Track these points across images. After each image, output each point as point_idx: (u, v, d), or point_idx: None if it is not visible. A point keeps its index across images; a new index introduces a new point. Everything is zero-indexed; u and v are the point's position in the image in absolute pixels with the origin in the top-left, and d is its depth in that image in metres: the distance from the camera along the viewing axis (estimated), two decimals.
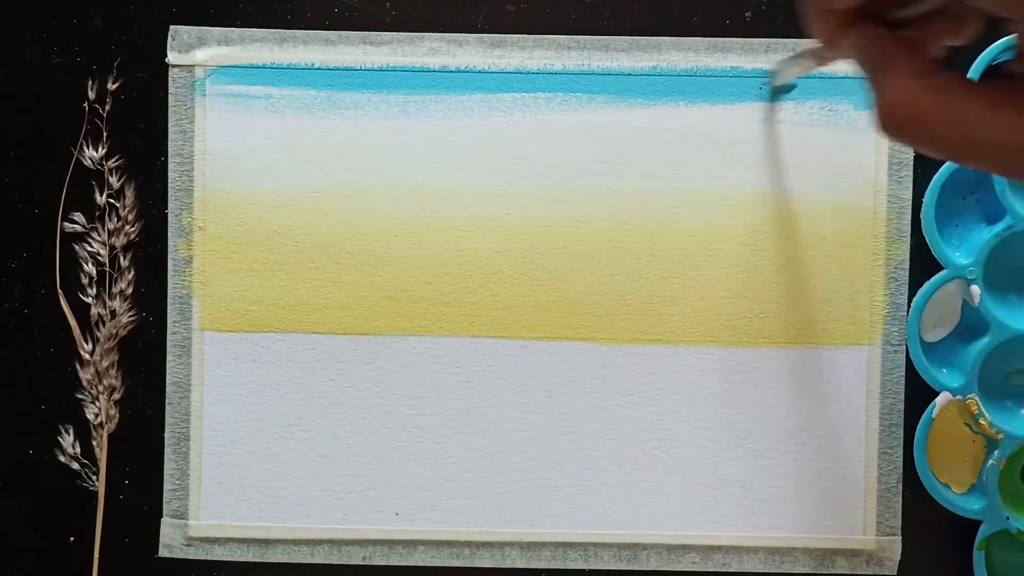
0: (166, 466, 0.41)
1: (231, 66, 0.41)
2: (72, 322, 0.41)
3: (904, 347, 0.41)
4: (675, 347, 0.41)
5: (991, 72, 0.40)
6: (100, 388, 0.41)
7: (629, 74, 0.41)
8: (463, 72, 0.41)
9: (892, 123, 0.22)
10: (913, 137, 0.22)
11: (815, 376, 0.41)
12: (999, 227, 0.40)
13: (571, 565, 0.41)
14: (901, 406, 0.41)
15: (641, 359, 0.41)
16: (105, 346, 0.41)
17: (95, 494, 0.42)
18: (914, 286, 0.41)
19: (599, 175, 0.41)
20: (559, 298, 0.41)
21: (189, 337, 0.41)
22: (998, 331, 0.40)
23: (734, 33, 0.41)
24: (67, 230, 0.41)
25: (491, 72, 0.41)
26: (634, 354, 0.41)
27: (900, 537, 0.41)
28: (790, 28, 0.41)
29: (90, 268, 0.41)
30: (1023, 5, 0.20)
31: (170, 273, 0.41)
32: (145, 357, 0.42)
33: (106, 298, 0.41)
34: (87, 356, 0.41)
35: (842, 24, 0.25)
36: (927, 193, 0.40)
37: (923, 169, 0.41)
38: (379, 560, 0.41)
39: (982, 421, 0.40)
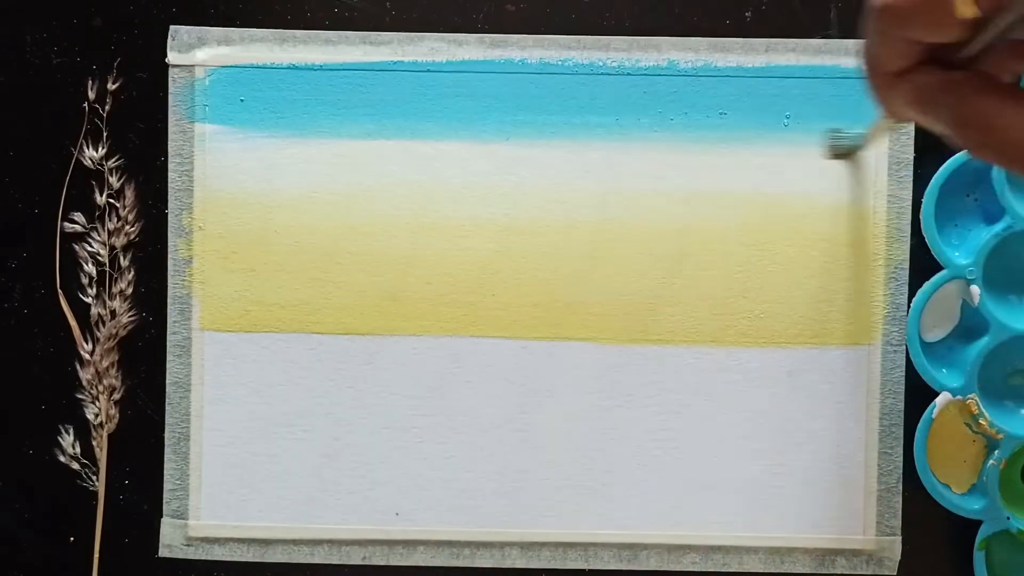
0: (166, 466, 0.41)
1: (231, 66, 0.41)
2: (72, 322, 0.41)
3: (904, 347, 0.41)
4: (675, 347, 0.41)
5: None
6: (100, 388, 0.41)
7: (629, 73, 0.41)
8: (463, 72, 0.41)
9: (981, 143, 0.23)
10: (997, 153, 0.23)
11: (815, 376, 0.41)
12: (999, 227, 0.40)
13: (571, 565, 0.41)
14: (901, 406, 0.41)
15: (641, 359, 0.41)
16: (105, 346, 0.41)
17: (95, 494, 0.42)
18: (914, 286, 0.41)
19: (599, 175, 0.41)
20: (559, 298, 0.41)
21: (189, 337, 0.41)
22: (998, 331, 0.40)
23: (734, 33, 0.41)
24: (67, 230, 0.41)
25: (491, 73, 0.41)
26: (634, 354, 0.41)
27: (900, 537, 0.41)
28: (790, 28, 0.41)
29: (90, 268, 0.41)
30: None
31: (170, 273, 0.41)
32: (145, 357, 0.42)
33: (106, 298, 0.41)
34: (87, 356, 0.41)
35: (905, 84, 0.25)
36: (927, 193, 0.40)
37: (923, 169, 0.41)
38: (379, 560, 0.41)
39: (982, 421, 0.40)
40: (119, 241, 0.41)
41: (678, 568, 0.41)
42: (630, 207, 0.41)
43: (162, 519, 0.41)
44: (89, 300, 0.41)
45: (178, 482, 0.41)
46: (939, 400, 0.40)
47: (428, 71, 0.41)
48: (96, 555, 0.41)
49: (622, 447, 0.41)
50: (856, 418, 0.41)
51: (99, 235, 0.41)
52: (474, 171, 0.41)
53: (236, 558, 0.41)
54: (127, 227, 0.41)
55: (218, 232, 0.41)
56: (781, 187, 0.41)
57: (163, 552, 0.41)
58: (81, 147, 0.41)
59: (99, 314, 0.41)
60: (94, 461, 0.42)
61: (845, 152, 0.40)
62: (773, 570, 0.41)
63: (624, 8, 0.41)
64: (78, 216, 0.41)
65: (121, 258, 0.41)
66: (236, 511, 0.41)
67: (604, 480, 0.41)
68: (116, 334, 0.41)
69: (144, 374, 0.42)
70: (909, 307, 0.41)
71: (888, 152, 0.41)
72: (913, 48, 0.24)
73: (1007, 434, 0.40)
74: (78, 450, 0.41)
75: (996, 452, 0.40)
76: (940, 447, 0.41)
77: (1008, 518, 0.40)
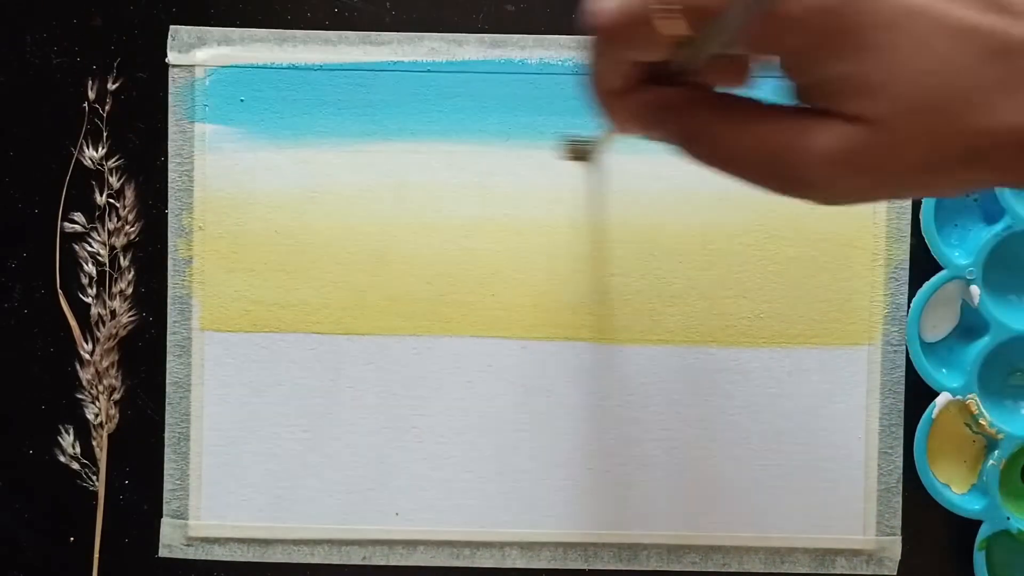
0: (166, 466, 0.41)
1: (231, 66, 0.41)
2: (72, 322, 0.41)
3: (904, 347, 0.41)
4: (675, 347, 0.41)
5: None
6: (100, 388, 0.41)
7: None
8: (463, 72, 0.41)
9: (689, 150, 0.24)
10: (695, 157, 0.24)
11: (815, 376, 0.41)
12: (998, 227, 0.40)
13: (571, 565, 0.41)
14: (901, 406, 0.41)
15: (641, 359, 0.41)
16: (105, 346, 0.41)
17: (95, 494, 0.42)
18: (914, 286, 0.41)
19: (599, 175, 0.41)
20: (559, 298, 0.41)
21: (189, 337, 0.41)
22: (998, 331, 0.40)
23: None
24: (67, 230, 0.41)
25: (491, 73, 0.41)
26: (634, 354, 0.41)
27: (900, 537, 0.41)
28: None
29: (90, 268, 0.41)
30: (774, 45, 0.22)
31: (170, 273, 0.41)
32: (145, 357, 0.42)
33: (106, 298, 0.41)
34: (87, 356, 0.41)
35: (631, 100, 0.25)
36: None
37: None
38: (379, 560, 0.41)
39: (982, 421, 0.40)
40: (119, 241, 0.41)
41: (678, 568, 0.41)
42: (630, 207, 0.41)
43: (162, 519, 0.41)
44: (89, 300, 0.41)
45: (178, 482, 0.41)
46: (939, 400, 0.40)
47: (428, 71, 0.41)
48: (96, 555, 0.41)
49: (622, 447, 0.41)
50: (856, 418, 0.41)
51: (99, 235, 0.41)
52: (474, 171, 0.41)
53: (236, 558, 0.41)
54: (127, 227, 0.41)
55: (218, 232, 0.41)
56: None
57: (163, 552, 0.41)
58: (81, 147, 0.41)
59: (99, 314, 0.41)
60: (94, 461, 0.42)
61: (581, 156, 0.39)
62: (773, 570, 0.41)
63: None
64: (78, 216, 0.41)
65: (121, 258, 0.41)
66: (236, 511, 0.41)
67: (604, 480, 0.41)
68: (116, 334, 0.41)
69: (144, 374, 0.42)
70: (909, 307, 0.41)
71: None
72: (630, 67, 0.24)
73: (1007, 434, 0.40)
74: (78, 450, 0.41)
75: (996, 452, 0.40)
76: (940, 447, 0.41)
77: (1008, 518, 0.40)
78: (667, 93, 0.25)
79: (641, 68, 0.24)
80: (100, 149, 0.41)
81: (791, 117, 0.23)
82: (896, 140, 0.21)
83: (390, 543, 0.41)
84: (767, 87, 0.24)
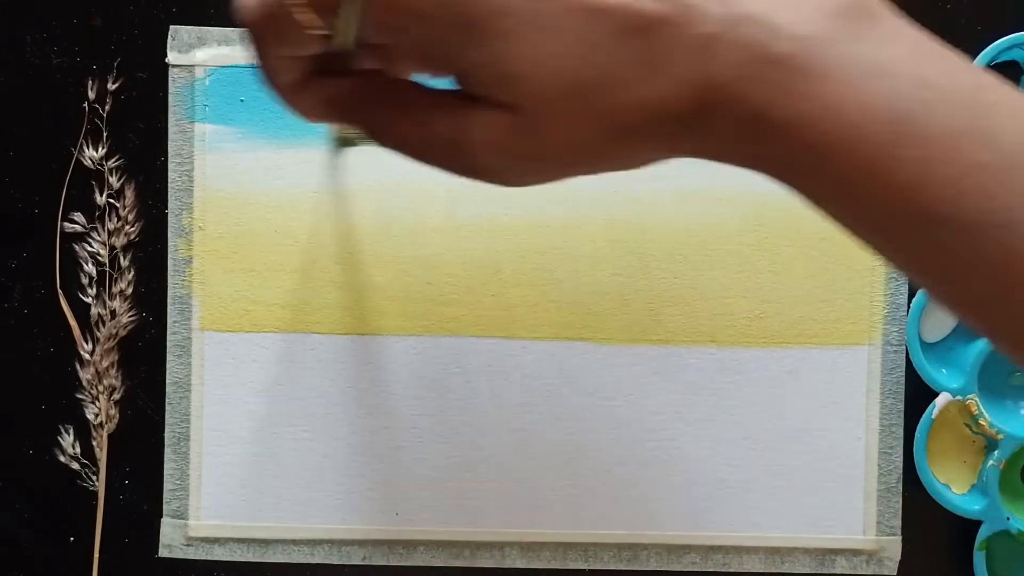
0: (166, 466, 0.41)
1: (231, 66, 0.41)
2: (72, 322, 0.41)
3: (904, 347, 0.41)
4: (675, 347, 0.41)
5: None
6: (100, 388, 0.41)
7: None
8: None
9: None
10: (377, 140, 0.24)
11: (815, 376, 0.41)
12: None
13: (571, 565, 0.41)
14: (901, 406, 0.41)
15: (641, 359, 0.41)
16: (105, 346, 0.41)
17: (95, 494, 0.42)
18: (914, 286, 0.41)
19: (599, 175, 0.41)
20: (559, 298, 0.41)
21: (189, 337, 0.41)
22: None
23: None
24: (67, 230, 0.41)
25: None
26: (634, 354, 0.41)
27: (900, 537, 0.41)
28: None
29: (90, 268, 0.41)
30: (407, 36, 0.22)
31: (170, 273, 0.41)
32: (145, 357, 0.42)
33: (106, 298, 0.41)
34: (87, 356, 0.41)
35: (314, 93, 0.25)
36: None
37: None
38: (379, 560, 0.41)
39: (982, 421, 0.40)
40: (119, 241, 0.41)
41: (678, 568, 0.41)
42: (630, 207, 0.41)
43: (162, 519, 0.41)
44: (89, 300, 0.41)
45: (178, 482, 0.41)
46: (939, 400, 0.40)
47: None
48: (96, 555, 0.41)
49: (622, 447, 0.41)
50: (856, 418, 0.41)
51: (99, 235, 0.41)
52: None
53: (236, 558, 0.41)
54: (127, 227, 0.41)
55: (218, 232, 0.41)
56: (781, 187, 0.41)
57: (163, 552, 0.41)
58: (81, 147, 0.41)
59: (99, 314, 0.41)
60: (94, 461, 0.42)
61: (347, 142, 0.39)
62: (773, 570, 0.41)
63: None
64: (78, 216, 0.41)
65: (121, 258, 0.41)
66: (236, 511, 0.41)
67: (604, 480, 0.41)
68: (116, 334, 0.41)
69: (144, 374, 0.42)
70: (909, 307, 0.41)
71: None
72: (298, 60, 0.24)
73: (1007, 434, 0.40)
74: (78, 450, 0.41)
75: (996, 452, 0.40)
76: (940, 447, 0.41)
77: (1008, 518, 0.40)
78: (340, 85, 0.24)
79: (312, 60, 0.24)
80: (100, 149, 0.41)
81: (457, 105, 0.23)
82: (542, 124, 0.22)
83: (390, 543, 0.41)
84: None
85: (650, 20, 0.20)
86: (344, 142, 0.40)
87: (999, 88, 0.21)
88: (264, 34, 0.23)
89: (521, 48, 0.21)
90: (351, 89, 0.24)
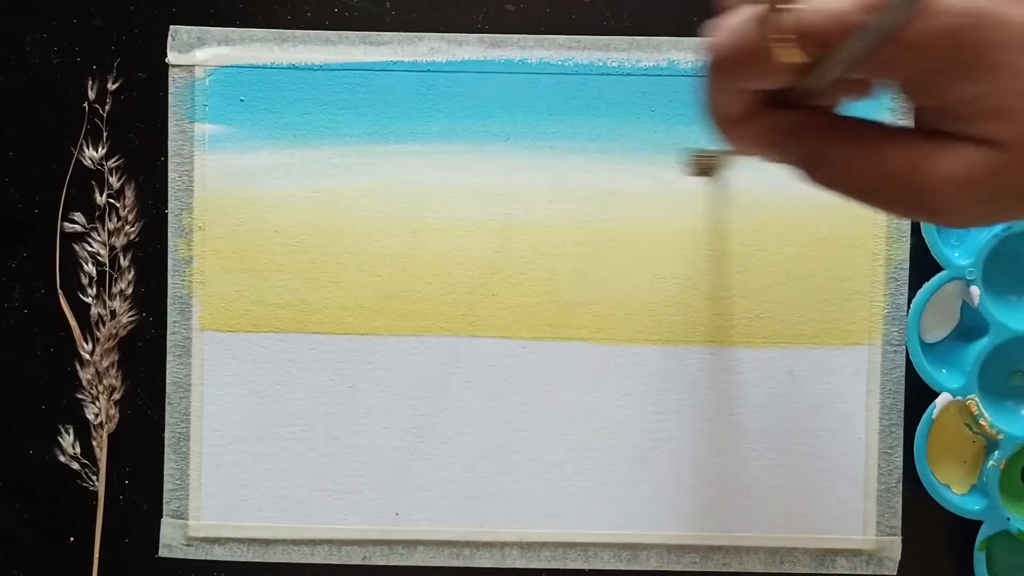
0: (166, 466, 0.41)
1: (231, 66, 0.41)
2: (72, 322, 0.41)
3: (904, 347, 0.41)
4: (675, 347, 0.41)
5: None
6: (100, 388, 0.41)
7: (630, 73, 0.41)
8: (463, 72, 0.41)
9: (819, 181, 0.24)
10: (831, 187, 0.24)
11: (815, 376, 0.41)
12: (998, 228, 0.40)
13: (571, 565, 0.41)
14: (901, 406, 0.41)
15: (641, 359, 0.41)
16: (105, 346, 0.41)
17: (95, 494, 0.42)
18: (914, 286, 0.41)
19: (599, 175, 0.41)
20: (559, 298, 0.41)
21: (189, 337, 0.41)
22: (998, 331, 0.40)
23: None
24: (67, 230, 0.41)
25: (491, 73, 0.41)
26: (634, 354, 0.41)
27: (900, 537, 0.41)
28: None
29: (90, 268, 0.41)
30: (897, 70, 0.21)
31: (170, 273, 0.41)
32: (145, 357, 0.42)
33: (106, 298, 0.41)
34: (87, 356, 0.41)
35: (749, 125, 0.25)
36: None
37: None
38: (379, 560, 0.41)
39: (982, 421, 0.40)
40: (119, 241, 0.41)
41: (678, 568, 0.41)
42: (630, 207, 0.41)
43: (162, 519, 0.41)
44: (89, 300, 0.41)
45: (178, 482, 0.41)
46: (939, 400, 0.40)
47: (428, 71, 0.41)
48: (96, 555, 0.41)
49: (622, 447, 0.41)
50: (856, 418, 0.41)
51: (99, 235, 0.41)
52: (474, 171, 0.41)
53: (236, 558, 0.41)
54: (127, 227, 0.41)
55: (218, 232, 0.41)
56: (781, 187, 0.41)
57: (163, 552, 0.41)
58: (81, 147, 0.41)
59: (99, 314, 0.41)
60: (94, 461, 0.42)
61: (706, 171, 0.39)
62: (773, 570, 0.41)
63: (624, 8, 0.41)
64: (78, 216, 0.41)
65: (121, 258, 0.41)
66: (236, 511, 0.41)
67: (604, 480, 0.41)
68: (116, 334, 0.41)
69: (144, 374, 0.42)
70: (909, 307, 0.41)
71: None
72: (749, 94, 0.24)
73: (1007, 434, 0.40)
74: (78, 450, 0.41)
75: (996, 452, 0.40)
76: (940, 447, 0.41)
77: (1008, 518, 0.40)
78: (788, 117, 0.24)
79: (761, 93, 0.24)
80: (100, 149, 0.41)
81: (915, 141, 0.22)
82: None
83: (390, 543, 0.41)
84: (884, 110, 0.23)
85: None
86: (704, 171, 0.39)
87: None
88: (733, 66, 0.23)
89: (1020, 83, 0.20)
90: (799, 122, 0.24)
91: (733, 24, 0.23)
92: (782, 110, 0.24)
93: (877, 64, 0.21)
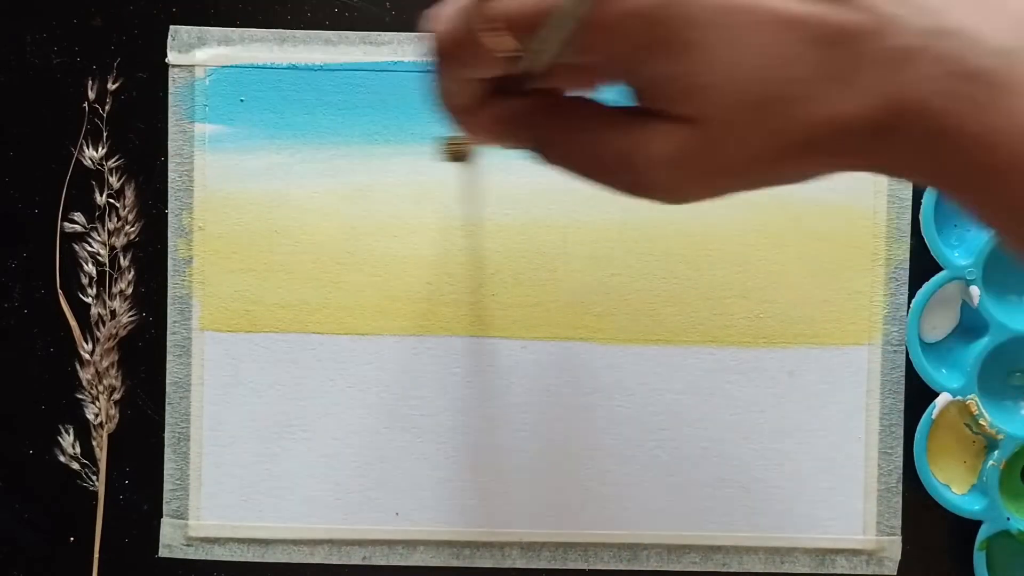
0: (166, 466, 0.41)
1: (231, 66, 0.41)
2: (72, 322, 0.41)
3: (904, 347, 0.41)
4: (675, 347, 0.41)
5: None
6: (100, 388, 0.41)
7: None
8: None
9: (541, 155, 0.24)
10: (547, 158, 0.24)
11: (815, 376, 0.41)
12: None
13: (571, 565, 0.41)
14: (901, 406, 0.41)
15: (641, 359, 0.41)
16: (105, 346, 0.41)
17: (95, 494, 0.42)
18: (914, 286, 0.41)
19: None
20: (559, 298, 0.41)
21: (189, 337, 0.41)
22: (998, 331, 0.40)
23: None
24: (67, 230, 0.41)
25: None
26: (634, 354, 0.41)
27: (900, 537, 0.41)
28: None
29: (90, 268, 0.41)
30: (600, 52, 0.22)
31: (170, 273, 0.41)
32: (145, 357, 0.42)
33: (106, 298, 0.41)
34: (87, 356, 0.41)
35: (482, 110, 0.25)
36: (926, 193, 0.40)
37: None
38: (379, 560, 0.41)
39: (982, 421, 0.40)
40: (119, 241, 0.41)
41: (678, 568, 0.41)
42: (630, 207, 0.41)
43: (162, 519, 0.41)
44: (89, 300, 0.41)
45: (178, 482, 0.41)
46: (939, 400, 0.40)
47: (428, 71, 0.41)
48: (96, 555, 0.41)
49: (622, 447, 0.41)
50: (856, 418, 0.41)
51: (99, 235, 0.41)
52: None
53: (236, 558, 0.41)
54: (127, 227, 0.41)
55: (218, 232, 0.41)
56: (781, 187, 0.41)
57: (163, 552, 0.41)
58: (81, 147, 0.41)
59: (99, 314, 0.41)
60: (94, 461, 0.42)
61: (459, 157, 0.39)
62: (773, 570, 0.41)
63: None
64: (78, 216, 0.41)
65: (121, 258, 0.41)
66: (236, 511, 0.41)
67: (604, 480, 0.41)
68: (116, 334, 0.41)
69: (144, 374, 0.42)
70: (909, 307, 0.41)
71: None
72: (476, 83, 0.24)
73: (1007, 434, 0.40)
74: (78, 450, 0.41)
75: (996, 452, 0.40)
76: (940, 447, 0.41)
77: (1008, 518, 0.40)
78: (514, 105, 0.24)
79: (488, 81, 0.24)
80: (100, 149, 0.41)
81: (631, 121, 0.23)
82: (726, 138, 0.21)
83: (390, 543, 0.41)
84: (618, 89, 0.24)
85: (845, 32, 0.20)
86: (455, 156, 0.39)
87: None
88: (451, 57, 0.23)
89: (711, 60, 0.20)
90: (526, 108, 0.24)
91: (446, 14, 0.23)
92: (511, 98, 0.24)
93: (580, 48, 0.21)
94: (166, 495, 0.41)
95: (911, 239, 0.41)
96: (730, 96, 0.21)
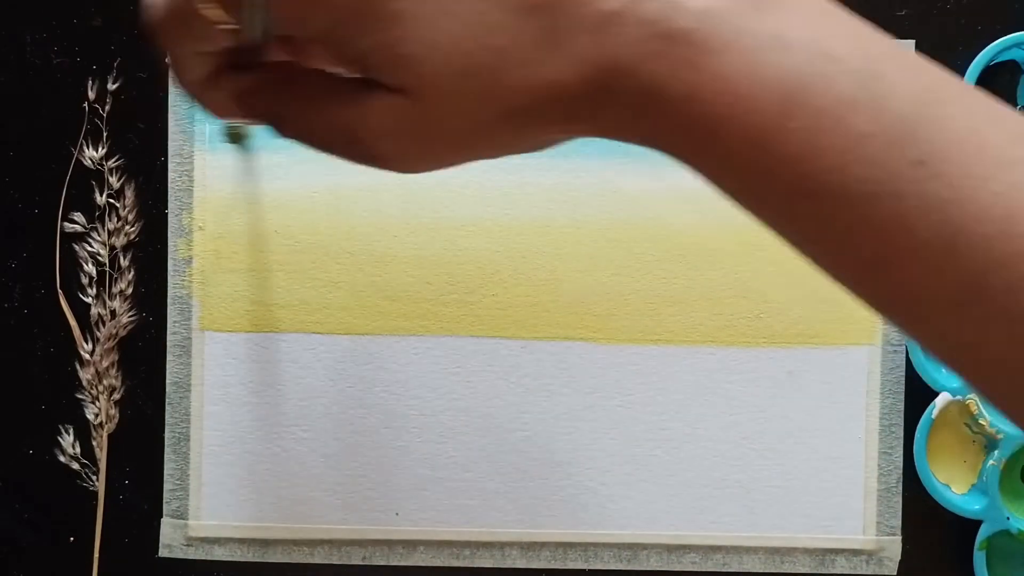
0: (166, 466, 0.41)
1: None
2: (72, 322, 0.41)
3: (904, 347, 0.41)
4: (675, 347, 0.41)
5: (991, 71, 0.40)
6: (100, 388, 0.41)
7: None
8: None
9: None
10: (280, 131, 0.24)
11: (815, 376, 0.41)
12: None
13: (571, 565, 0.41)
14: (901, 406, 0.41)
15: (641, 359, 0.41)
16: (105, 346, 0.41)
17: (95, 494, 0.42)
18: None
19: (599, 175, 0.41)
20: (559, 298, 0.41)
21: (189, 337, 0.41)
22: None
23: None
24: (67, 230, 0.41)
25: None
26: (634, 354, 0.41)
27: (900, 537, 0.41)
28: None
29: (90, 268, 0.41)
30: (308, 26, 0.22)
31: (170, 273, 0.41)
32: (145, 357, 0.42)
33: (106, 298, 0.41)
34: (87, 356, 0.41)
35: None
36: None
37: None
38: (379, 560, 0.41)
39: (982, 421, 0.40)
40: (119, 241, 0.41)
41: (678, 568, 0.41)
42: (630, 207, 0.41)
43: (162, 519, 0.41)
44: (89, 300, 0.41)
45: (178, 482, 0.41)
46: (939, 400, 0.40)
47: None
48: (96, 555, 0.41)
49: (622, 447, 0.41)
50: (856, 418, 0.41)
51: (99, 235, 0.41)
52: (474, 171, 0.41)
53: (236, 558, 0.41)
54: (127, 227, 0.41)
55: (218, 232, 0.41)
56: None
57: (163, 552, 0.41)
58: (81, 147, 0.41)
59: (99, 314, 0.41)
60: (94, 461, 0.42)
61: (236, 139, 0.39)
62: (773, 570, 0.41)
63: None
64: (78, 216, 0.41)
65: (121, 258, 0.41)
66: (236, 511, 0.41)
67: (604, 480, 0.41)
68: (116, 334, 0.41)
69: (144, 374, 0.42)
70: None
71: None
72: (207, 57, 0.24)
73: (1007, 434, 0.40)
74: (78, 450, 0.41)
75: (996, 452, 0.40)
76: (940, 447, 0.41)
77: (1008, 518, 0.40)
78: (247, 79, 0.24)
79: (219, 55, 0.24)
80: (100, 149, 0.41)
81: (356, 93, 0.22)
82: (440, 107, 0.21)
83: (390, 543, 0.41)
84: None
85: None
86: (233, 138, 0.39)
87: (897, 57, 0.21)
88: (172, 31, 0.23)
89: (415, 30, 0.20)
90: (257, 82, 0.24)
91: None
92: (245, 71, 0.24)
93: (285, 21, 0.21)
94: (166, 495, 0.41)
95: None
96: (437, 65, 0.21)
